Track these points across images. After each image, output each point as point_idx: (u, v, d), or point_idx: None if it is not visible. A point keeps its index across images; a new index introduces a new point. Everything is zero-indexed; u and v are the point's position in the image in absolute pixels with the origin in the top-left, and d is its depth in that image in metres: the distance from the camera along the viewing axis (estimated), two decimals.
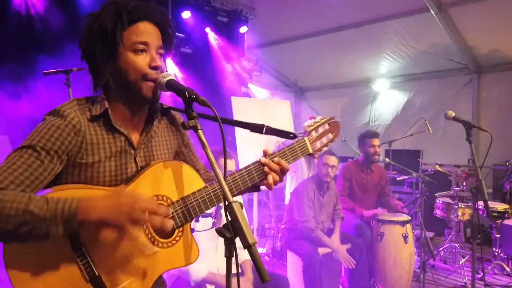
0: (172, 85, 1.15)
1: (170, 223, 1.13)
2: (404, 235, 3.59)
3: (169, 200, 1.24)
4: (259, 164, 1.32)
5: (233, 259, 1.05)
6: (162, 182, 1.23)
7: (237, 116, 5.13)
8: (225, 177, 1.07)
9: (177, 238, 1.26)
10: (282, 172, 1.34)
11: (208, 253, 2.58)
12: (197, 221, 2.37)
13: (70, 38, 4.00)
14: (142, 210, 1.05)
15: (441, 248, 4.87)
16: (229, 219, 1.02)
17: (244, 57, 6.79)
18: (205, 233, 2.52)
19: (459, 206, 4.52)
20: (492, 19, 5.48)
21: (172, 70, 5.65)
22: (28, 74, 3.79)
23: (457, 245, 4.64)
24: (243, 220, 1.00)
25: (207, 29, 6.11)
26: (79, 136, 1.14)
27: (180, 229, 1.27)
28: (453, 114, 2.55)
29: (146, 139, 1.29)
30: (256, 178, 1.32)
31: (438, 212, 4.83)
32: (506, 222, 4.34)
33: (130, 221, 1.04)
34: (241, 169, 1.31)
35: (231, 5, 6.42)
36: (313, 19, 6.10)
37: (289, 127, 5.82)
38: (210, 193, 1.25)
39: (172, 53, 1.30)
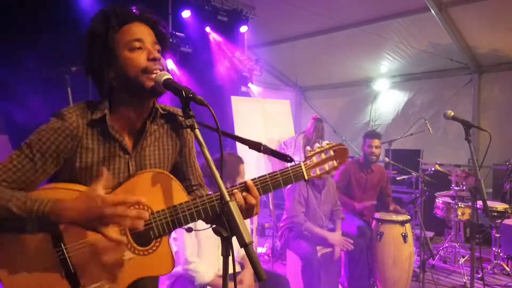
0: (169, 84, 1.16)
1: (141, 224, 1.14)
2: (403, 234, 3.59)
3: (150, 210, 1.25)
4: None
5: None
6: (146, 192, 1.24)
7: (236, 116, 5.12)
8: (221, 177, 1.08)
9: (154, 248, 1.28)
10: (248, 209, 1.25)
11: (211, 254, 2.56)
12: None
13: (70, 38, 4.00)
14: (112, 213, 1.08)
15: (440, 248, 4.87)
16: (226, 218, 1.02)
17: (244, 55, 6.78)
18: (206, 232, 2.51)
19: (459, 205, 4.51)
20: (492, 19, 5.47)
21: (172, 69, 5.65)
22: (28, 74, 3.80)
23: (457, 245, 4.64)
24: (239, 219, 1.01)
25: (207, 29, 6.12)
26: (75, 140, 1.19)
27: (158, 239, 1.28)
28: (452, 114, 2.55)
29: (140, 145, 1.30)
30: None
31: (438, 212, 4.83)
32: (506, 221, 4.34)
33: (101, 224, 1.09)
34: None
35: (232, 5, 6.42)
36: (313, 19, 6.09)
37: (288, 126, 5.82)
38: (191, 209, 1.26)
39: (169, 50, 1.33)
